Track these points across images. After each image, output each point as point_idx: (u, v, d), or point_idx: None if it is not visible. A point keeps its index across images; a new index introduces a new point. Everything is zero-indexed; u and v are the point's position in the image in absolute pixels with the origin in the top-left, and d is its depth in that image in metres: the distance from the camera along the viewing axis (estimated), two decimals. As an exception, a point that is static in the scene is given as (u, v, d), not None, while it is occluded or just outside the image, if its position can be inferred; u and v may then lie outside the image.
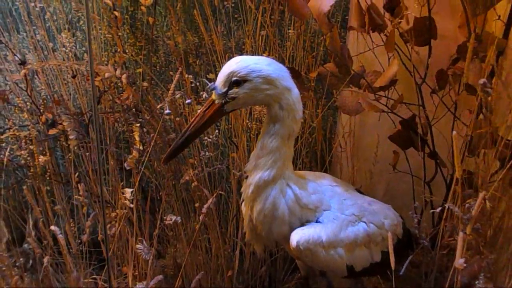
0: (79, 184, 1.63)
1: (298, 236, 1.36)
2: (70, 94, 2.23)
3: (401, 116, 1.88)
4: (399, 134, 1.89)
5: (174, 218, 1.63)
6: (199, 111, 1.27)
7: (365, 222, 1.46)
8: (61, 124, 1.56)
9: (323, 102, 1.95)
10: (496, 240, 1.56)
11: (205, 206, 1.54)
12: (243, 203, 1.44)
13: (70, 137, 1.46)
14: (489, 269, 1.45)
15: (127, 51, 2.14)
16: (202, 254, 2.16)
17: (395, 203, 1.82)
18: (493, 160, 1.62)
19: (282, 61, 2.03)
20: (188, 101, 1.43)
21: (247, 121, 1.83)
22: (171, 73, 2.17)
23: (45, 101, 2.21)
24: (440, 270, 1.86)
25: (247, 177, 1.37)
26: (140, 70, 2.13)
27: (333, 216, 1.42)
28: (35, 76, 2.19)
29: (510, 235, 1.55)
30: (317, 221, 1.41)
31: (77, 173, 1.91)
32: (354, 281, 2.19)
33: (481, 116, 1.63)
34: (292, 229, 1.38)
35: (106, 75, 1.89)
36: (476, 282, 1.36)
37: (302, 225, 1.40)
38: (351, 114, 1.72)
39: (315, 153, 2.18)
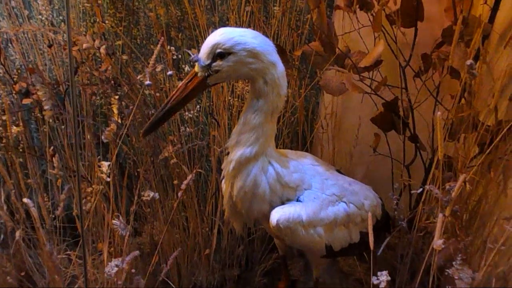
0: (53, 157, 1.58)
1: (278, 215, 1.34)
2: (46, 64, 2.15)
3: (384, 98, 1.87)
4: (381, 116, 1.88)
5: (152, 194, 1.60)
6: (181, 83, 1.23)
7: (345, 202, 1.46)
8: (35, 94, 1.49)
9: (307, 82, 1.92)
10: (472, 223, 1.59)
11: (184, 182, 1.51)
12: (223, 181, 1.42)
13: (45, 107, 1.40)
14: (465, 252, 1.47)
15: (106, 21, 2.07)
16: (179, 232, 2.14)
17: (374, 186, 1.83)
18: (473, 145, 1.63)
19: (266, 38, 2.01)
20: (169, 72, 1.38)
21: (229, 98, 1.79)
22: (151, 46, 2.11)
23: (19, 71, 2.13)
24: (416, 252, 1.88)
25: (228, 153, 1.34)
26: (120, 42, 2.07)
27: (314, 195, 1.41)
28: (9, 45, 2.10)
29: (485, 219, 1.57)
30: (297, 200, 1.40)
31: (52, 147, 1.85)
32: (330, 262, 2.21)
33: (463, 100, 1.64)
34: (272, 207, 1.37)
35: (84, 45, 1.82)
36: (453, 263, 1.37)
37: (282, 203, 1.38)
38: (335, 94, 1.70)
39: (297, 133, 2.17)
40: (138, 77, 1.40)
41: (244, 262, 2.39)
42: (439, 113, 1.21)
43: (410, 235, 1.69)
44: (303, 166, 1.45)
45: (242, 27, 1.93)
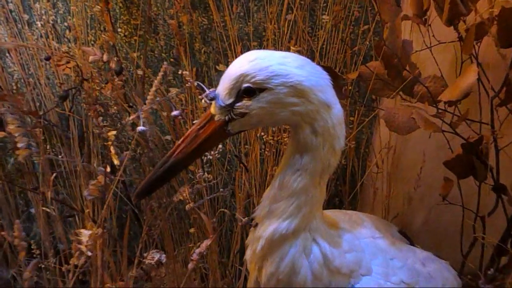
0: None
1: (324, 314, 0.94)
2: (48, 78, 1.83)
3: (462, 136, 1.44)
4: (458, 160, 1.45)
5: (157, 256, 1.24)
6: (190, 129, 0.85)
7: (417, 292, 1.05)
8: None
9: (361, 111, 1.52)
10: None
11: (197, 251, 1.13)
12: (248, 260, 1.03)
13: (18, 145, 1.05)
14: None
15: (119, 29, 1.73)
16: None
17: (436, 237, 1.54)
18: None
19: (311, 56, 1.61)
20: (174, 113, 1.00)
21: (262, 133, 1.40)
22: (172, 60, 1.75)
23: (18, 85, 1.83)
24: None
25: (256, 225, 0.95)
26: (135, 54, 1.72)
27: (374, 284, 1.00)
28: (7, 55, 1.80)
29: None
30: (351, 289, 1.00)
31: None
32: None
33: None
34: (316, 299, 0.97)
35: (91, 58, 1.49)
36: None
37: (330, 293, 0.98)
38: (401, 132, 1.29)
39: (345, 172, 1.76)
40: (129, 118, 1.03)
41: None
42: None
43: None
44: (360, 241, 1.05)
45: (281, 40, 1.58)
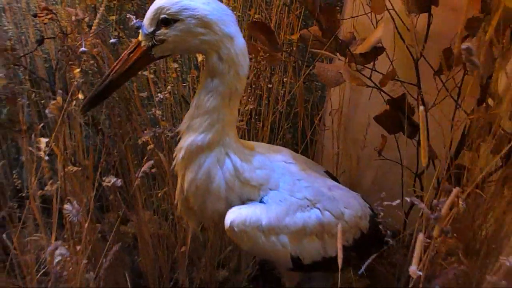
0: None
1: (233, 216, 1.15)
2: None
3: (390, 95, 1.63)
4: (386, 115, 1.64)
5: (113, 180, 1.45)
6: (123, 53, 1.06)
7: (319, 209, 1.24)
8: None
9: (305, 71, 1.71)
10: (475, 247, 1.33)
11: (141, 170, 1.35)
12: (175, 170, 1.24)
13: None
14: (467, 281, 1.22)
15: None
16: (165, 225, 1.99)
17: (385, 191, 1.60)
18: (487, 154, 1.37)
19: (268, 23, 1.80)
20: (112, 40, 1.22)
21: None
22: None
23: (11, 42, 2.05)
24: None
25: (180, 139, 1.16)
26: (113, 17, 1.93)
27: (280, 197, 1.21)
28: (2, 14, 2.02)
29: (493, 243, 1.31)
30: (261, 201, 1.20)
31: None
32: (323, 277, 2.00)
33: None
34: (230, 207, 1.18)
35: (73, 18, 1.70)
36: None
37: (242, 203, 1.19)
38: (330, 84, 1.49)
39: (296, 130, 1.96)
40: (79, 43, 1.24)
41: (234, 264, 2.21)
42: (422, 107, 0.97)
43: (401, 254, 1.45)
44: (272, 162, 1.25)
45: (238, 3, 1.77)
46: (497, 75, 1.24)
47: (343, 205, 1.30)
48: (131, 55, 1.06)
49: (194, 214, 1.24)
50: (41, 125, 1.77)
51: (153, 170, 1.76)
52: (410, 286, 1.05)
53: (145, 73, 1.68)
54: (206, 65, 1.07)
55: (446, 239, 1.37)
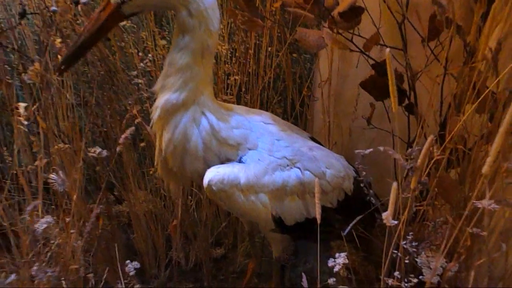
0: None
1: (211, 175, 1.15)
2: (28, 19, 2.07)
3: (374, 59, 1.61)
4: (372, 81, 1.62)
5: (98, 150, 1.47)
6: (94, 12, 1.07)
7: (299, 168, 1.24)
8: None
9: (290, 39, 1.70)
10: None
11: (123, 136, 1.35)
12: (153, 132, 1.24)
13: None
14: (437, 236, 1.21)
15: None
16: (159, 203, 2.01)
17: (377, 167, 1.61)
18: (472, 114, 1.36)
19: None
20: (83, 0, 1.22)
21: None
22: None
23: (1, 25, 2.07)
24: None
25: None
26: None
27: (259, 156, 1.21)
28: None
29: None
30: (240, 161, 1.20)
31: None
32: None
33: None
34: (208, 167, 1.18)
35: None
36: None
37: (221, 164, 1.19)
38: (312, 49, 1.48)
39: (286, 100, 1.95)
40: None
41: (230, 241, 2.22)
42: (388, 49, 0.96)
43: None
44: (250, 123, 1.25)
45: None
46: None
47: (324, 165, 1.30)
48: (102, 13, 1.06)
49: (174, 176, 1.24)
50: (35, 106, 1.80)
51: (142, 145, 1.79)
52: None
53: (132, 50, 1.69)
54: (176, 21, 1.08)
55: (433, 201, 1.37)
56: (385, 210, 1.57)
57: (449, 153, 1.30)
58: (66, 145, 1.51)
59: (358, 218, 1.39)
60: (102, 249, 1.81)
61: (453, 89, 1.51)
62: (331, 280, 1.22)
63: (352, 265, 1.83)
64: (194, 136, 1.15)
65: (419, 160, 1.03)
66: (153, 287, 1.99)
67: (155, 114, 1.15)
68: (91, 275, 1.67)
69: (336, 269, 1.19)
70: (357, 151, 1.26)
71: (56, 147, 1.46)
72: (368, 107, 1.86)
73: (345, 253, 1.20)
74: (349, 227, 1.36)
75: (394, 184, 0.99)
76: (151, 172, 1.96)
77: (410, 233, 1.10)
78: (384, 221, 0.98)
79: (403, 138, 1.85)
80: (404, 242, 1.04)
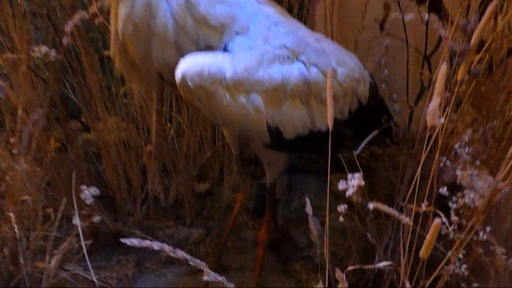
0: None
1: (186, 65, 0.85)
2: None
3: None
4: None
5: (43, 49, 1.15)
6: None
7: (303, 63, 0.94)
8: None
9: None
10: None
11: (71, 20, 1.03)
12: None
13: None
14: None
15: None
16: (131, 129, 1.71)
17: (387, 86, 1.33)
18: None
19: None
20: None
21: None
22: None
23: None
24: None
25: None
26: None
27: (250, 43, 0.90)
28: None
29: None
30: (225, 50, 0.89)
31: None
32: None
33: None
34: (182, 56, 0.87)
35: None
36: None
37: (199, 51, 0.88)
38: None
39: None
40: None
41: (216, 173, 1.94)
42: None
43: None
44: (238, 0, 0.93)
45: None
46: None
47: (335, 61, 1.00)
48: None
49: (137, 71, 0.93)
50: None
51: (107, 53, 1.47)
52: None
53: None
54: None
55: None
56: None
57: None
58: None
59: (373, 133, 1.12)
60: (62, 180, 1.53)
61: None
62: (341, 207, 0.96)
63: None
64: (161, 10, 0.83)
65: (474, 35, 0.73)
66: (127, 225, 1.73)
67: None
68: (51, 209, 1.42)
69: (349, 192, 0.92)
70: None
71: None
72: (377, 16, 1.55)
73: (360, 174, 0.93)
74: (362, 143, 1.08)
75: (443, 66, 0.69)
76: (121, 92, 1.66)
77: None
78: (428, 120, 0.70)
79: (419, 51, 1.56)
80: (458, 145, 0.76)
